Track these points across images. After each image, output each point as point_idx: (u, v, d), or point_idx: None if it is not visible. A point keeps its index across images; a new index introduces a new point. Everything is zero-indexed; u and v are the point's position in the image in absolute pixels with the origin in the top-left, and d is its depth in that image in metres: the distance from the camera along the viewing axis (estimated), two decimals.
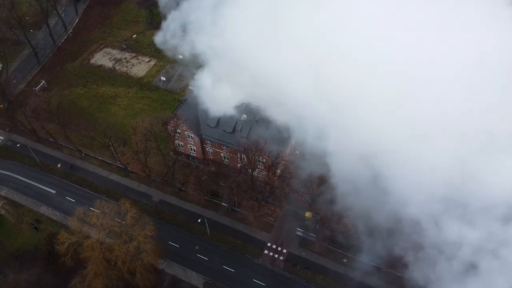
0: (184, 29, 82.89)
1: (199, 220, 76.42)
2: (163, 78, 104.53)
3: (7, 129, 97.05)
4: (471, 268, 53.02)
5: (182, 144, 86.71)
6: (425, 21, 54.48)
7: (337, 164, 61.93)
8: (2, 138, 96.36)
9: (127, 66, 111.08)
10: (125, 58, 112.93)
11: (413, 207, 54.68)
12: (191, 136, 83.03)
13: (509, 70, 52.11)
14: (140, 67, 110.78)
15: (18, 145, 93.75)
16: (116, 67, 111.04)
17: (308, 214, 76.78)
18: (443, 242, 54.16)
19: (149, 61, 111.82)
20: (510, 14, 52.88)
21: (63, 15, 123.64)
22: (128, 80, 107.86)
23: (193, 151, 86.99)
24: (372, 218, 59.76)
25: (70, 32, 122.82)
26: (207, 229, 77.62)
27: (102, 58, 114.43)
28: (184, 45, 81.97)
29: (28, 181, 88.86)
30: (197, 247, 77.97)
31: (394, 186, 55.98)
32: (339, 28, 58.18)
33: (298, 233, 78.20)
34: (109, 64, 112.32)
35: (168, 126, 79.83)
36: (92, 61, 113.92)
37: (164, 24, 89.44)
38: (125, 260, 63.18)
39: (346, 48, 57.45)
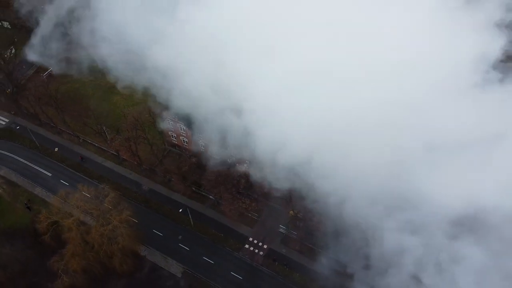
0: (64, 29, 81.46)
1: (180, 210, 77.51)
2: None
3: (12, 112, 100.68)
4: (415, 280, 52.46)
5: (175, 135, 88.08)
6: (343, 16, 53.02)
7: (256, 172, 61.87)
8: (7, 120, 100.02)
9: None
10: None
11: (352, 213, 54.17)
12: (183, 128, 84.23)
13: (448, 75, 50.55)
14: None
15: (18, 127, 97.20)
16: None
17: (291, 211, 76.88)
18: (384, 250, 53.53)
19: None
20: (452, 16, 51.24)
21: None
22: None
23: (185, 143, 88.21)
24: (335, 220, 59.47)
25: None
26: (191, 219, 78.66)
27: None
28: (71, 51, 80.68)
29: (27, 162, 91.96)
30: (180, 237, 79.15)
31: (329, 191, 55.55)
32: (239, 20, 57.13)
33: (281, 230, 78.39)
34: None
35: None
36: None
37: (35, 33, 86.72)
38: (101, 243, 64.82)
39: (245, 40, 56.36)
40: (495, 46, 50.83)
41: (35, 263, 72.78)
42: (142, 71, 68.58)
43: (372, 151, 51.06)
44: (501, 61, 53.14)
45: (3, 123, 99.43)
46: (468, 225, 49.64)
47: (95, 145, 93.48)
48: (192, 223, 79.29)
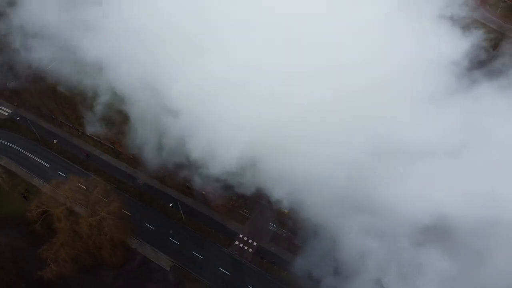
0: None
1: (171, 205, 78.28)
2: None
3: (15, 104, 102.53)
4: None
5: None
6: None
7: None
8: (10, 111, 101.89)
9: None
10: None
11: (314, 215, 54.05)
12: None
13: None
14: None
15: (18, 118, 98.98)
16: None
17: (281, 209, 77.01)
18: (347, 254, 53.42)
19: None
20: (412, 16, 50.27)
21: None
22: None
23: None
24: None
25: None
26: (182, 214, 79.35)
27: None
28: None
29: (27, 153, 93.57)
30: (171, 231, 79.88)
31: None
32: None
33: (271, 227, 78.66)
34: None
35: None
36: None
37: None
38: (90, 234, 65.80)
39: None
40: (458, 50, 50.01)
41: (27, 251, 73.94)
42: (82, 69, 68.74)
43: (321, 155, 50.48)
44: (468, 69, 52.36)
45: (6, 114, 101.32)
46: (434, 233, 49.22)
47: (93, 138, 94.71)
48: (183, 218, 79.98)
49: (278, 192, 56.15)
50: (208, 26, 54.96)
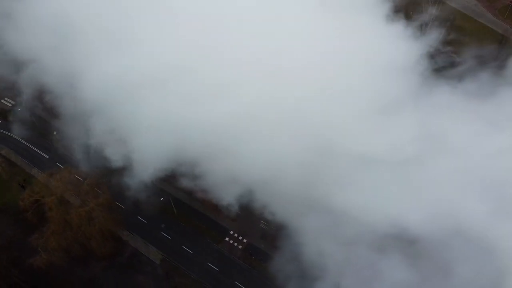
0: None
1: (161, 199, 79.03)
2: None
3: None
4: None
5: None
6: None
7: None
8: (13, 102, 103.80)
9: None
10: None
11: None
12: None
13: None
14: None
15: (19, 109, 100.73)
16: None
17: None
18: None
19: None
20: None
21: None
22: None
23: None
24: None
25: None
26: (174, 209, 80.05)
27: None
28: None
29: (27, 144, 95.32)
30: (163, 225, 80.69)
31: None
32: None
33: (262, 225, 78.89)
34: None
35: None
36: None
37: None
38: (79, 224, 66.80)
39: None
40: (414, 54, 48.95)
41: (20, 239, 75.52)
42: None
43: (263, 157, 49.81)
44: (426, 74, 51.28)
45: (9, 105, 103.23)
46: (392, 241, 48.70)
47: None
48: (175, 212, 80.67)
49: (227, 196, 55.87)
50: (132, 20, 53.76)
